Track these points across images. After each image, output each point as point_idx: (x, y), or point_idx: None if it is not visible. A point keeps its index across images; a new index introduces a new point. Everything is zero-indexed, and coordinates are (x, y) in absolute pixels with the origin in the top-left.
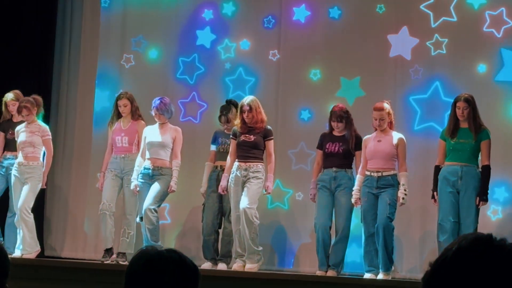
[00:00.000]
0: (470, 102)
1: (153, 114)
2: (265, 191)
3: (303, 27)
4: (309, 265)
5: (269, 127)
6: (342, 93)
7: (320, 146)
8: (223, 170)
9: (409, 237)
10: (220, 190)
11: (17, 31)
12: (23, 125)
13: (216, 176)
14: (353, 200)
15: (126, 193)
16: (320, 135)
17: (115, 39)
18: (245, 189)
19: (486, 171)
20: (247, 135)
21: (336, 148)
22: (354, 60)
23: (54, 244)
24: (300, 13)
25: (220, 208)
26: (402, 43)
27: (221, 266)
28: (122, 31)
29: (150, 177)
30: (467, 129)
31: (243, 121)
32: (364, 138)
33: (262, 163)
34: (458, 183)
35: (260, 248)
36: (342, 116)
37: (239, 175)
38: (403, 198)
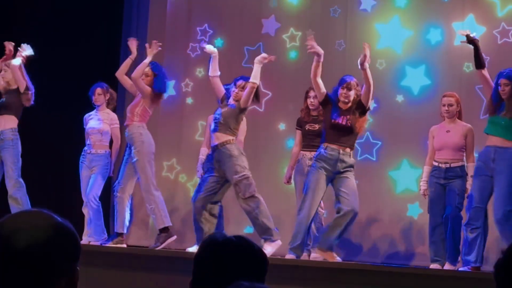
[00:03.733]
0: (511, 79)
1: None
2: None
3: (369, 17)
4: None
5: None
6: (407, 82)
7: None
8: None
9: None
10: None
11: (84, 23)
12: (92, 112)
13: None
14: (421, 192)
15: (136, 167)
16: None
17: (181, 29)
18: None
19: None
20: (312, 124)
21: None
22: (419, 49)
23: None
24: (367, 3)
25: (216, 190)
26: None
27: None
28: (187, 21)
29: None
30: (506, 104)
31: (307, 108)
32: (431, 128)
33: None
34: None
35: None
36: (353, 85)
37: (304, 164)
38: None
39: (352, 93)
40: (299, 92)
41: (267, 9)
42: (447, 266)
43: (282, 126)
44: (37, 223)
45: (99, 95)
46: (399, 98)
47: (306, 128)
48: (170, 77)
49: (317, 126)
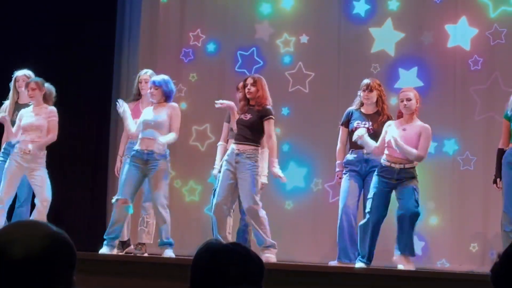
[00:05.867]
0: None
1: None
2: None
3: (363, 21)
4: None
5: (269, 107)
6: (400, 84)
7: (346, 123)
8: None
9: (473, 227)
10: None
11: (76, 30)
12: (29, 108)
13: None
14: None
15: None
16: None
17: (173, 34)
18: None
19: None
20: (245, 114)
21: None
22: (412, 51)
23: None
24: (360, 7)
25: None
26: (461, 33)
27: None
28: (180, 26)
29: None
30: None
31: (245, 98)
32: (388, 122)
33: (257, 147)
34: None
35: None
36: (373, 86)
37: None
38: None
39: (374, 94)
40: (293, 97)
41: (260, 14)
42: (404, 261)
43: (277, 130)
44: (32, 233)
45: (33, 90)
46: (393, 101)
47: (240, 117)
48: None
49: (249, 116)
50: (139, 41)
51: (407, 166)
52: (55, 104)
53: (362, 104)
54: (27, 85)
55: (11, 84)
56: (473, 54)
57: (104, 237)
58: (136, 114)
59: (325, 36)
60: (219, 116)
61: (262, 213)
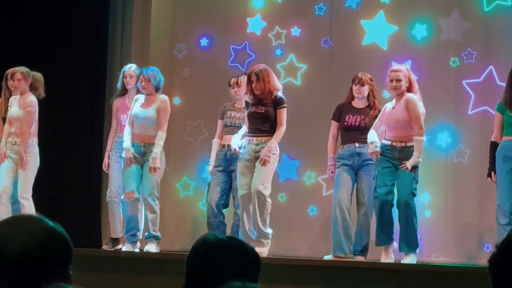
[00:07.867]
0: None
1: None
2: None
3: (355, 14)
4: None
5: (280, 95)
6: None
7: (337, 117)
8: (230, 148)
9: (467, 220)
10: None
11: (69, 26)
12: (15, 99)
13: (223, 155)
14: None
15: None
16: (337, 106)
17: (166, 29)
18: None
19: None
20: (257, 106)
21: (357, 121)
22: (405, 44)
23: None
24: (352, 0)
25: (226, 188)
26: (453, 26)
27: None
28: (173, 21)
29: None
30: None
31: (252, 91)
32: (386, 105)
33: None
34: None
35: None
36: (365, 80)
37: (250, 150)
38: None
39: (365, 88)
40: (285, 89)
41: (253, 9)
42: (385, 257)
43: None
44: (28, 228)
45: (19, 81)
46: (386, 94)
47: (252, 110)
48: None
49: (263, 109)
50: (132, 36)
51: (408, 144)
52: (46, 92)
53: (353, 98)
54: (12, 75)
55: (3, 82)
56: (467, 47)
57: (124, 234)
58: (123, 109)
59: (317, 29)
60: (213, 111)
61: (268, 200)
